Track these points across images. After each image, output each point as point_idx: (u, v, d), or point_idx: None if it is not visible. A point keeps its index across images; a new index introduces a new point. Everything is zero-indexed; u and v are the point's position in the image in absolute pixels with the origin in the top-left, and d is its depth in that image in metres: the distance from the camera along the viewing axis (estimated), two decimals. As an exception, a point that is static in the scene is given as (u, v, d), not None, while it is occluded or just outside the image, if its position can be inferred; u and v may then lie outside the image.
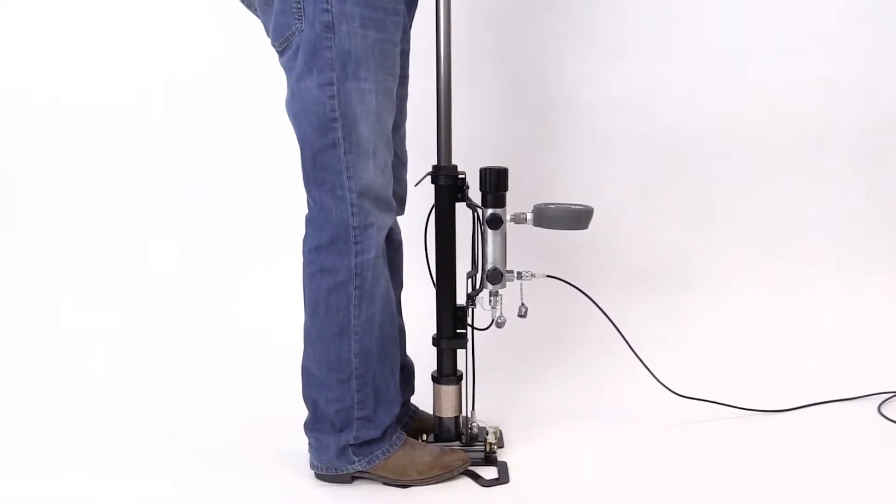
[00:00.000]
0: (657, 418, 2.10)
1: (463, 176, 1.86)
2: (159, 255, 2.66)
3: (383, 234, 1.74)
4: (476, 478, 1.84)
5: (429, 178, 1.85)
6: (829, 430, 2.05)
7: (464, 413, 1.95)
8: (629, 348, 2.03)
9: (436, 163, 1.86)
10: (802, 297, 2.61)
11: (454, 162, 1.86)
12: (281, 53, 1.68)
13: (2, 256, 2.67)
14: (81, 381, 2.37)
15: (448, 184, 1.84)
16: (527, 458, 1.93)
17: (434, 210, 1.86)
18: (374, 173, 1.69)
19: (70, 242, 2.67)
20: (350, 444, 1.79)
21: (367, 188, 1.69)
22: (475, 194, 1.86)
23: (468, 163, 1.89)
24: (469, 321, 1.91)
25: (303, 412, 1.83)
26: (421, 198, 1.92)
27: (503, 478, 1.84)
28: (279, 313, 2.48)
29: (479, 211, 1.85)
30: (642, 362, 2.04)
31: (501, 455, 1.93)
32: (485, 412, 2.03)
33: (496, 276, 1.85)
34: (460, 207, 1.86)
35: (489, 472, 1.86)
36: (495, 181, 1.83)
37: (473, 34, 2.53)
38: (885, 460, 1.90)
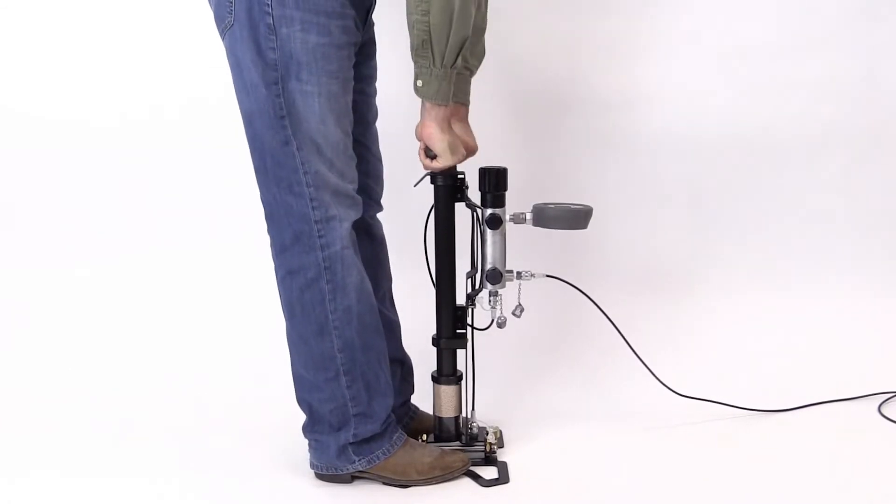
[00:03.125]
0: (657, 418, 2.10)
1: (462, 176, 1.86)
2: (159, 254, 2.66)
3: (347, 225, 1.73)
4: (476, 478, 1.84)
5: (428, 178, 1.86)
6: (829, 430, 2.05)
7: (464, 413, 1.96)
8: (629, 348, 2.03)
9: (435, 163, 1.85)
10: (803, 297, 2.61)
11: (453, 162, 1.86)
12: (223, 37, 1.69)
13: (2, 256, 2.67)
14: (81, 382, 2.37)
15: (447, 184, 1.84)
16: (527, 458, 1.93)
17: (433, 210, 1.86)
18: (326, 168, 1.69)
19: (69, 242, 2.67)
20: (350, 443, 1.79)
21: (324, 182, 1.69)
22: (474, 194, 1.86)
23: (467, 163, 1.89)
24: (469, 321, 1.91)
25: (302, 411, 1.84)
26: (420, 198, 1.92)
27: (503, 478, 1.84)
28: (279, 313, 2.47)
29: (479, 211, 1.85)
30: (642, 362, 2.04)
31: (501, 455, 1.93)
32: (485, 412, 2.03)
33: (496, 276, 1.85)
34: (460, 207, 1.86)
35: (489, 472, 1.86)
36: (494, 181, 1.83)
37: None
38: (885, 460, 1.90)
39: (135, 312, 2.61)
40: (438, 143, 1.74)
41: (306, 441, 1.85)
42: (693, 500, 1.75)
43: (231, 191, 2.66)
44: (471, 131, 1.84)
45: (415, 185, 1.88)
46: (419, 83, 1.68)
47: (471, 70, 1.77)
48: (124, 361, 2.47)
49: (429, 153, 1.78)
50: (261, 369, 2.38)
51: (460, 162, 1.81)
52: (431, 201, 1.86)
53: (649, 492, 1.79)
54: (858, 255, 2.66)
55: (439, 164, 1.78)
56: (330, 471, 1.82)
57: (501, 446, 1.96)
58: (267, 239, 1.76)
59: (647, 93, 2.61)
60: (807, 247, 2.67)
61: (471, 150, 1.83)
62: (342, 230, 1.72)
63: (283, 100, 1.64)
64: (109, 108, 2.64)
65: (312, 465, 1.84)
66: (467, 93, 1.79)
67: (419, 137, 1.78)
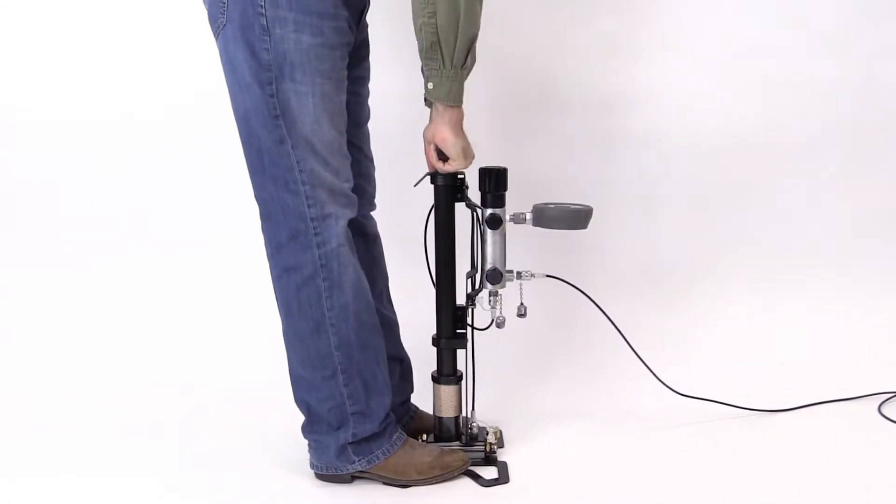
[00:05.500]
0: (657, 418, 2.10)
1: (462, 176, 1.86)
2: (158, 254, 2.66)
3: (343, 223, 1.73)
4: (476, 478, 1.84)
5: (428, 178, 1.86)
6: (829, 430, 2.05)
7: (464, 413, 1.96)
8: (629, 348, 2.03)
9: (435, 163, 1.86)
10: (803, 297, 2.61)
11: (454, 162, 1.86)
12: (216, 37, 1.70)
13: (2, 256, 2.67)
14: (81, 382, 2.36)
15: (447, 184, 1.85)
16: (527, 458, 1.93)
17: (434, 210, 1.86)
18: (321, 167, 1.69)
19: (68, 242, 2.67)
20: (349, 443, 1.79)
21: (320, 180, 1.69)
22: (475, 194, 1.86)
23: (467, 163, 1.89)
24: (469, 321, 1.91)
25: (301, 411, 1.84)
26: (420, 198, 1.92)
27: (503, 478, 1.84)
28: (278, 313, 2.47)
29: (479, 211, 1.85)
30: (642, 361, 2.04)
31: (501, 455, 1.93)
32: (485, 412, 2.03)
33: (496, 276, 1.85)
34: (460, 207, 1.86)
35: (489, 472, 1.86)
36: (495, 181, 1.84)
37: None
38: (885, 460, 1.90)
39: (134, 312, 2.61)
40: (452, 146, 1.74)
41: (306, 441, 1.85)
42: (693, 500, 1.75)
43: (228, 190, 2.65)
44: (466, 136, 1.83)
45: (415, 185, 1.88)
46: (430, 86, 1.69)
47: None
48: (124, 361, 2.47)
49: (441, 156, 1.78)
50: (260, 369, 2.38)
51: (469, 166, 1.81)
52: (431, 201, 1.86)
53: (649, 492, 1.79)
54: (858, 255, 2.66)
55: (452, 167, 1.78)
56: (330, 471, 1.82)
57: (501, 446, 1.96)
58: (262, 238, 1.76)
59: (646, 93, 2.61)
60: (806, 247, 2.67)
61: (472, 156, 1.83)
62: (338, 228, 1.72)
63: (276, 100, 1.64)
64: (107, 108, 2.64)
65: (312, 466, 1.84)
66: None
67: (430, 141, 1.78)
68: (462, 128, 1.76)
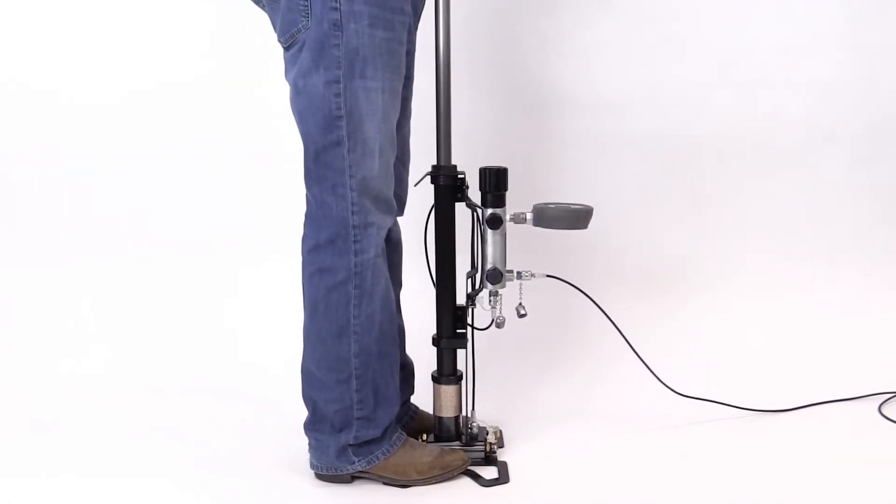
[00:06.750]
0: (657, 418, 2.10)
1: (462, 176, 1.86)
2: (158, 254, 2.66)
3: (383, 233, 1.74)
4: (476, 478, 1.84)
5: (428, 178, 1.86)
6: (829, 430, 2.05)
7: (464, 413, 1.96)
8: (630, 348, 2.03)
9: (435, 163, 1.86)
10: (802, 296, 2.61)
11: (454, 162, 1.86)
12: (286, 49, 1.69)
13: (2, 256, 2.67)
14: (81, 382, 2.37)
15: (448, 184, 1.85)
16: (527, 458, 1.93)
17: (434, 210, 1.86)
18: (376, 173, 1.69)
19: (66, 243, 2.66)
20: (350, 445, 1.79)
21: (369, 187, 1.69)
22: (475, 194, 1.86)
23: (468, 162, 1.89)
24: (469, 321, 1.91)
25: (303, 412, 1.83)
26: (421, 198, 1.93)
27: (503, 478, 1.84)
28: (279, 313, 2.48)
29: (479, 211, 1.85)
30: (643, 361, 2.04)
31: (501, 455, 1.93)
32: (485, 412, 2.03)
33: (496, 276, 1.85)
34: (460, 207, 1.86)
35: (489, 472, 1.86)
36: (495, 181, 1.84)
37: (473, 33, 2.53)
38: (885, 460, 1.90)
39: (134, 312, 2.61)
40: None
41: (306, 441, 1.85)
42: (693, 500, 1.75)
43: (229, 189, 2.66)
44: None
45: (415, 185, 1.88)
46: None
47: None
48: (125, 360, 2.47)
49: None
50: (262, 370, 2.39)
51: None
52: (431, 201, 1.86)
53: (649, 491, 1.79)
54: (858, 255, 2.67)
55: None
56: (330, 471, 1.82)
57: (501, 446, 1.96)
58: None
59: (646, 93, 2.61)
60: (806, 247, 2.67)
61: None
62: (378, 238, 1.73)
63: (342, 99, 1.63)
64: (107, 107, 2.64)
65: (312, 466, 1.84)
66: None
67: None
68: None
